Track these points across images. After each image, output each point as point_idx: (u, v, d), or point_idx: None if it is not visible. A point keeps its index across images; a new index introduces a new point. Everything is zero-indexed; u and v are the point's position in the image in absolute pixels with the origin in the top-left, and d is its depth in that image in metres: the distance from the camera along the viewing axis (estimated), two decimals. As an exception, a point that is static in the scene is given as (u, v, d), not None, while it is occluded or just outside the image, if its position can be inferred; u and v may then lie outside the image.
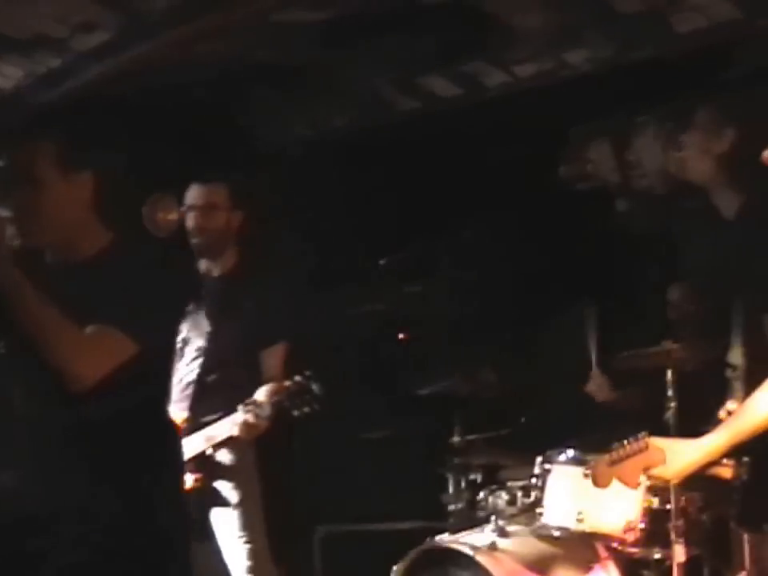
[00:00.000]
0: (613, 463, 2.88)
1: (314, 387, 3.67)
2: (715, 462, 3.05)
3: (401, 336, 5.70)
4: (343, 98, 5.17)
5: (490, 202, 5.40)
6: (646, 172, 5.33)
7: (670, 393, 3.82)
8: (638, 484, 2.97)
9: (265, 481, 4.04)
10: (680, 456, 2.88)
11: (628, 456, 2.85)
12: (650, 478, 3.00)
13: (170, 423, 2.78)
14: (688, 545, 3.71)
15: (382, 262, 5.64)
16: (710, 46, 4.39)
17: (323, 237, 5.51)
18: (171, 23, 4.01)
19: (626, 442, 2.96)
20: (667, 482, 3.05)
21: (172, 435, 2.74)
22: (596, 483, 2.93)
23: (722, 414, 3.09)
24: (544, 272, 5.33)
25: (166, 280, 2.61)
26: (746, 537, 3.42)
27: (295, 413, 3.68)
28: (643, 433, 3.18)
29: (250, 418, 3.67)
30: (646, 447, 2.87)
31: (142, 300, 2.42)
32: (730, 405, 3.09)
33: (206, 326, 3.97)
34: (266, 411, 3.68)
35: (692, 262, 5.76)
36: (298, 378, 3.71)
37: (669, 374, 3.84)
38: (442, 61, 4.64)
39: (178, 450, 2.74)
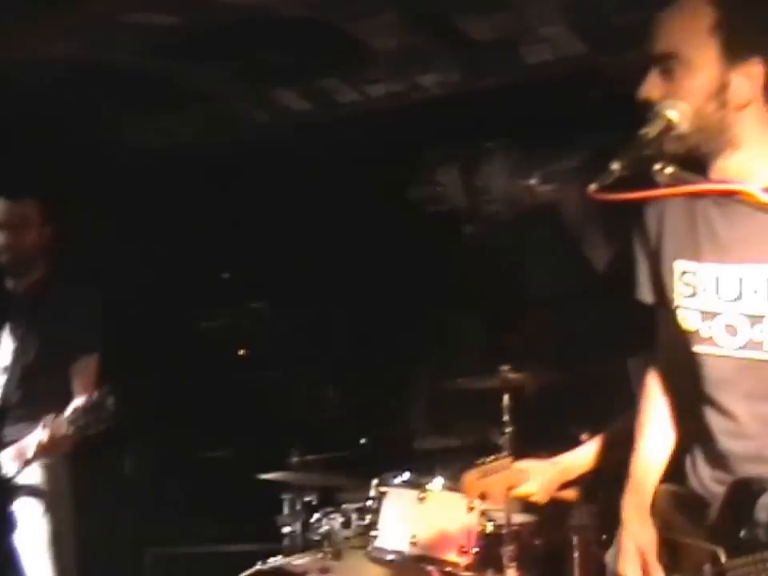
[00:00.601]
0: (481, 476, 2.97)
1: (109, 403, 3.40)
2: (575, 482, 3.13)
3: (241, 352, 5.62)
4: (193, 109, 5.08)
5: (337, 220, 5.39)
6: (494, 198, 5.39)
7: (506, 417, 3.84)
8: (502, 501, 3.07)
9: (82, 502, 3.87)
10: (542, 475, 3.00)
11: (494, 471, 2.96)
12: (515, 497, 3.06)
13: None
14: (520, 569, 3.74)
15: (225, 275, 5.57)
16: (556, 77, 4.48)
17: (163, 250, 5.39)
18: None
19: (491, 457, 3.04)
20: (533, 499, 3.09)
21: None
22: (465, 494, 3.07)
23: (583, 435, 3.16)
24: (385, 292, 5.34)
25: None
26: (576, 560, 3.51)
27: (90, 431, 3.44)
28: (505, 452, 3.27)
29: (44, 437, 3.48)
30: (509, 466, 2.99)
31: None
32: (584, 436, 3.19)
33: (11, 343, 3.81)
34: (62, 429, 3.46)
35: (536, 288, 5.88)
36: (95, 393, 3.48)
37: (505, 398, 3.87)
38: (296, 76, 4.60)
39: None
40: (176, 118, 5.15)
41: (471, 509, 3.80)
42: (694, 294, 2.09)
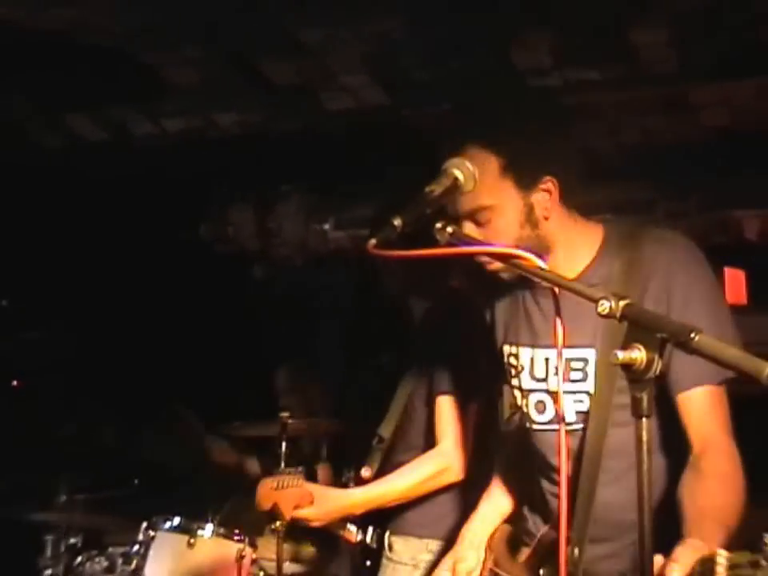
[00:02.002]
0: (276, 487, 2.99)
1: None
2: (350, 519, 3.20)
3: (14, 383, 5.36)
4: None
5: (125, 253, 5.26)
6: (286, 241, 5.37)
7: (282, 464, 3.81)
8: (289, 516, 3.03)
9: None
10: (326, 502, 3.04)
11: (287, 485, 2.99)
12: (295, 518, 3.05)
13: None
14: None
15: (3, 302, 5.33)
16: (356, 126, 4.51)
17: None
18: None
19: (287, 470, 3.26)
20: (311, 524, 3.09)
21: None
22: (258, 504, 3.05)
23: (365, 472, 3.25)
24: (170, 329, 5.24)
25: None
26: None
27: None
28: (300, 468, 3.30)
29: None
30: (301, 484, 3.03)
31: None
32: (365, 471, 3.27)
33: None
34: None
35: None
36: None
37: (283, 445, 3.85)
38: (87, 102, 4.46)
39: None
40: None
41: (242, 557, 3.74)
42: (516, 375, 2.34)
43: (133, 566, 3.69)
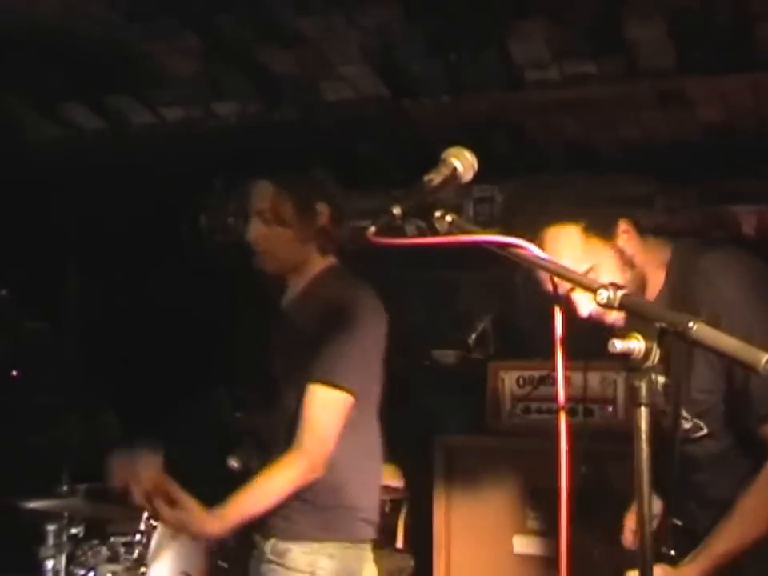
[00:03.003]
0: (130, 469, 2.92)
1: None
2: None
3: (13, 373, 5.37)
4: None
5: (120, 243, 5.26)
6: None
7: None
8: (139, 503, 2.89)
9: None
10: (187, 511, 2.84)
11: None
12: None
13: None
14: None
15: (2, 292, 5.33)
16: (354, 116, 4.53)
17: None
18: None
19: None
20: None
21: None
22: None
23: (233, 463, 3.18)
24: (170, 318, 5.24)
25: None
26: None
27: None
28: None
29: None
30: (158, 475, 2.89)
31: None
32: (233, 462, 3.39)
33: None
34: None
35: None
36: None
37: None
38: (82, 91, 4.47)
39: None
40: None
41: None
42: None
43: (135, 555, 3.68)
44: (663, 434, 2.37)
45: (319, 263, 3.14)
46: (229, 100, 4.48)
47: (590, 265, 2.38)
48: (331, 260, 3.17)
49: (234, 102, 4.50)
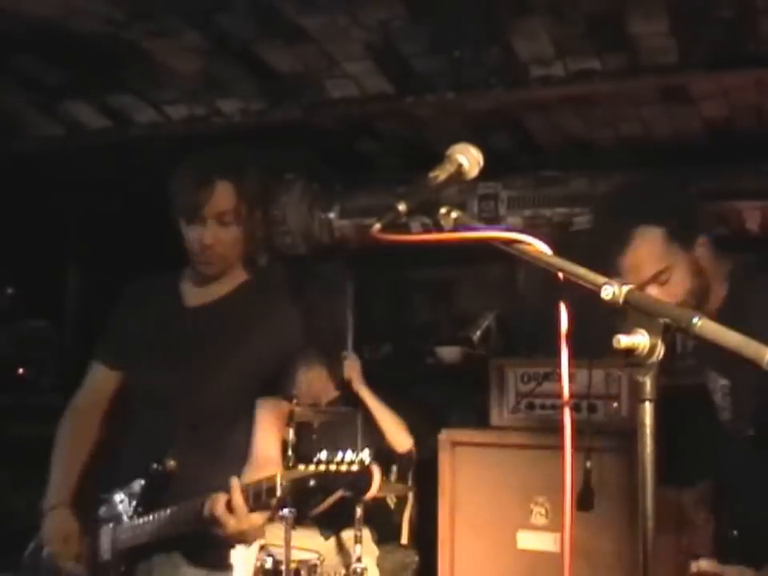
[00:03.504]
0: None
1: None
2: None
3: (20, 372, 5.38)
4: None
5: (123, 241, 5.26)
6: (289, 229, 5.38)
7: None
8: None
9: None
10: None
11: None
12: None
13: None
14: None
15: (9, 290, 5.34)
16: (359, 113, 4.53)
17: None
18: None
19: None
20: None
21: None
22: None
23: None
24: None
25: None
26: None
27: None
28: None
29: None
30: None
31: None
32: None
33: None
34: None
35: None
36: None
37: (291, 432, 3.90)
38: (83, 89, 4.48)
39: None
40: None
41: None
42: None
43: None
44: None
45: (241, 270, 3.02)
46: (232, 97, 4.49)
47: (667, 264, 2.57)
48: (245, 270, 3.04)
49: (238, 100, 4.50)
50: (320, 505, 2.85)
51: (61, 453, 2.95)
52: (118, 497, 2.82)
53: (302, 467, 2.31)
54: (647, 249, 2.58)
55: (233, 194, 2.82)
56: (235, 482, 2.47)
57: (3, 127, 4.87)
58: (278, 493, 2.35)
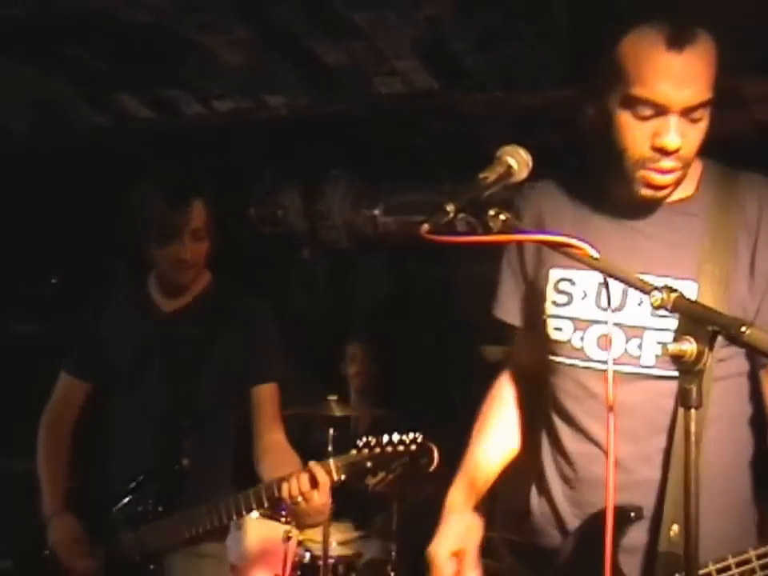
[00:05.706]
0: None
1: None
2: None
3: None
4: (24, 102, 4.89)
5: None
6: (334, 224, 5.39)
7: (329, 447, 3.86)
8: None
9: None
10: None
11: None
12: None
13: None
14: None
15: (54, 281, 5.37)
16: (406, 110, 4.52)
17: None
18: None
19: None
20: None
21: None
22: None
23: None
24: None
25: None
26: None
27: None
28: None
29: None
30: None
31: None
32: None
33: None
34: None
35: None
36: None
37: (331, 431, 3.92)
38: (134, 81, 4.50)
39: None
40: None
41: (288, 538, 3.78)
42: (568, 303, 2.11)
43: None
44: None
45: (206, 275, 3.15)
46: (280, 92, 4.49)
47: (710, 97, 1.97)
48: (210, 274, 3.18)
49: (285, 94, 4.50)
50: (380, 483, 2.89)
51: (42, 465, 3.12)
52: (130, 499, 2.90)
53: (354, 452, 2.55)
54: (706, 59, 1.95)
55: (203, 209, 2.95)
56: (313, 463, 2.60)
57: (52, 117, 4.90)
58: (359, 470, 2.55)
